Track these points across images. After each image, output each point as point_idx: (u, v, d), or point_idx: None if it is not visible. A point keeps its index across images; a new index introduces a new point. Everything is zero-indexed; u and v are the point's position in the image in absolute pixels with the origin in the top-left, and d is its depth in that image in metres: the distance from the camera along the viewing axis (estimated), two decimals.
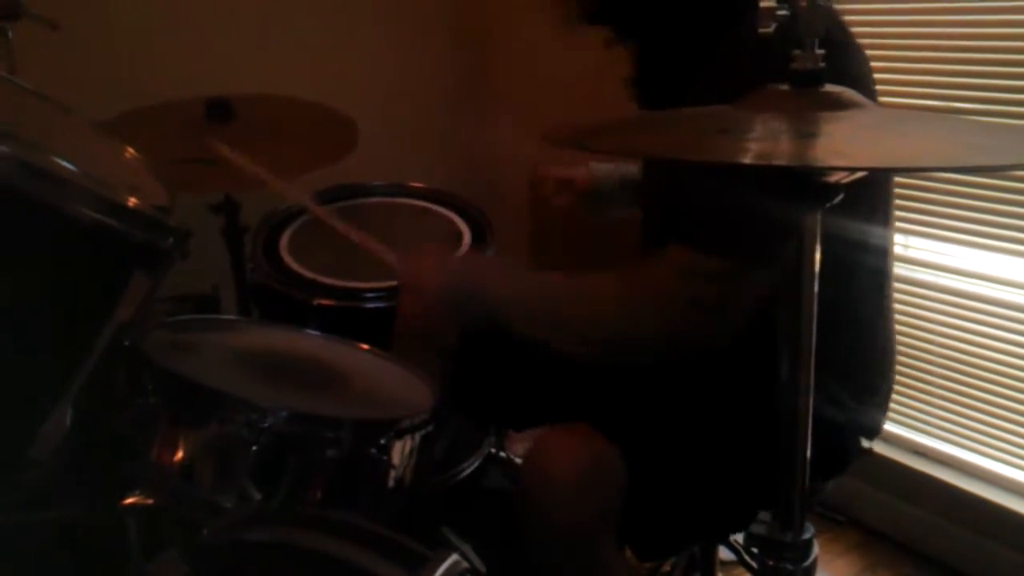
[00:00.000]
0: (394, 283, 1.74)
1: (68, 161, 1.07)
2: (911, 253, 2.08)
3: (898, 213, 2.06)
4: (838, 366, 1.23)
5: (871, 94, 1.25)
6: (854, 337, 1.30)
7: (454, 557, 0.94)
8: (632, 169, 1.63)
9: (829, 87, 0.83)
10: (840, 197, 0.81)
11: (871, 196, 1.28)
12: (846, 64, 1.12)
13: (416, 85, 2.72)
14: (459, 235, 1.92)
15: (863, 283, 1.30)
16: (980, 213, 1.92)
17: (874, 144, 0.78)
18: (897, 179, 2.02)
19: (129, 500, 1.13)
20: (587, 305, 1.26)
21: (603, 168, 1.66)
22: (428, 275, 1.40)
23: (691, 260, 1.15)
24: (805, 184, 0.79)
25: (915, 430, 2.15)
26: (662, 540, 1.33)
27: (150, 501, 1.13)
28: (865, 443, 1.38)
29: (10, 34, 1.78)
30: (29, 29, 1.87)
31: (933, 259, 2.04)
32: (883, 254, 1.34)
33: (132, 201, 1.09)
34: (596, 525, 1.22)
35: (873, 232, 1.27)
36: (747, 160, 0.72)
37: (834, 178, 0.79)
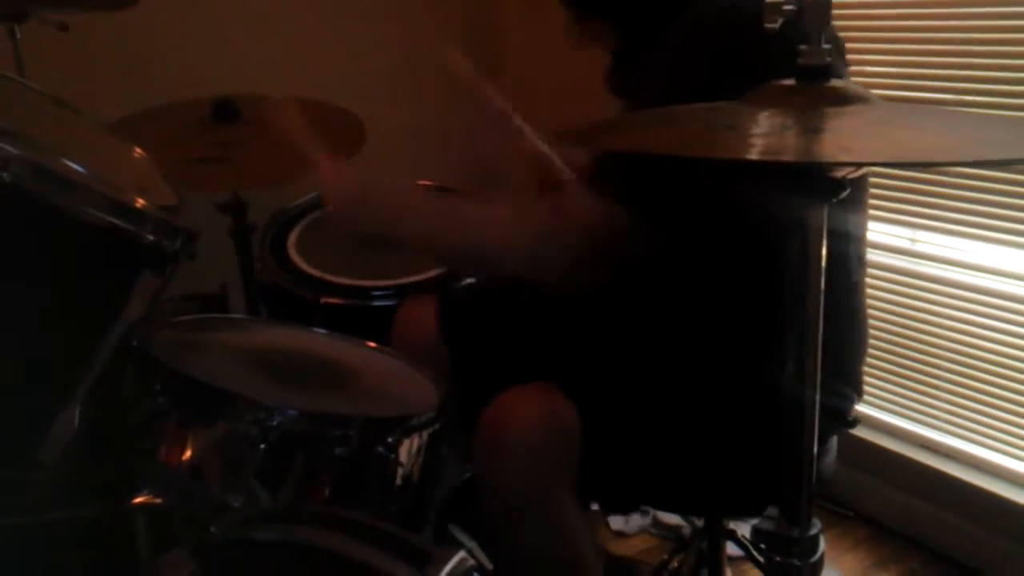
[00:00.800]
0: (399, 281, 1.76)
1: (76, 163, 1.07)
2: (918, 247, 2.08)
3: (905, 207, 2.06)
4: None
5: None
6: (834, 320, 1.31)
7: (461, 555, 0.94)
8: None
9: (835, 82, 0.83)
10: (846, 192, 0.81)
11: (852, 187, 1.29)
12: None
13: (423, 83, 2.72)
14: None
15: (844, 269, 1.31)
16: (986, 207, 1.91)
17: (881, 139, 0.78)
18: (904, 173, 2.02)
19: (138, 500, 1.14)
20: (485, 233, 1.29)
21: None
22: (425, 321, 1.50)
23: (592, 200, 1.18)
24: (812, 180, 0.78)
25: (923, 424, 2.14)
26: (620, 492, 1.34)
27: (159, 500, 1.14)
28: (849, 416, 1.38)
29: (18, 35, 1.78)
30: (38, 30, 1.87)
31: (941, 253, 2.04)
32: (859, 240, 1.35)
33: (140, 202, 1.09)
34: (551, 479, 1.22)
35: (852, 220, 1.28)
36: (754, 156, 0.72)
37: (840, 173, 0.79)
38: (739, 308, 1.24)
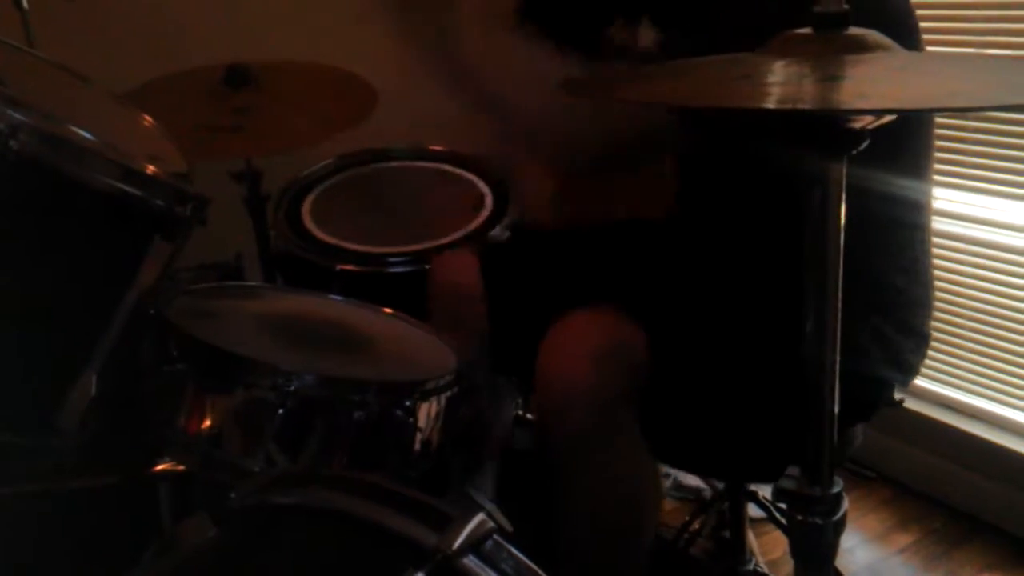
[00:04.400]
0: (416, 247, 1.74)
1: (85, 130, 1.06)
2: (939, 204, 2.05)
3: None
4: (884, 303, 1.25)
5: (911, 31, 1.23)
6: (900, 278, 1.31)
7: (480, 516, 0.93)
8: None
9: (854, 30, 0.80)
10: (865, 143, 0.79)
11: (910, 144, 1.26)
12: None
13: (435, 48, 2.69)
14: (481, 197, 1.91)
15: (905, 231, 1.30)
16: (1009, 162, 1.88)
17: (901, 85, 0.76)
18: None
19: (160, 467, 1.14)
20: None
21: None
22: (463, 271, 1.47)
23: None
24: (830, 129, 0.76)
25: (945, 384, 2.13)
26: (680, 444, 1.33)
27: (181, 467, 1.14)
28: (897, 394, 1.37)
29: (25, 4, 1.78)
30: (45, 0, 1.86)
31: (962, 210, 2.01)
32: (922, 203, 1.32)
33: (150, 168, 1.09)
34: (613, 406, 1.20)
35: (914, 178, 1.26)
36: (770, 105, 0.70)
37: (859, 123, 0.77)
38: (767, 261, 1.22)
